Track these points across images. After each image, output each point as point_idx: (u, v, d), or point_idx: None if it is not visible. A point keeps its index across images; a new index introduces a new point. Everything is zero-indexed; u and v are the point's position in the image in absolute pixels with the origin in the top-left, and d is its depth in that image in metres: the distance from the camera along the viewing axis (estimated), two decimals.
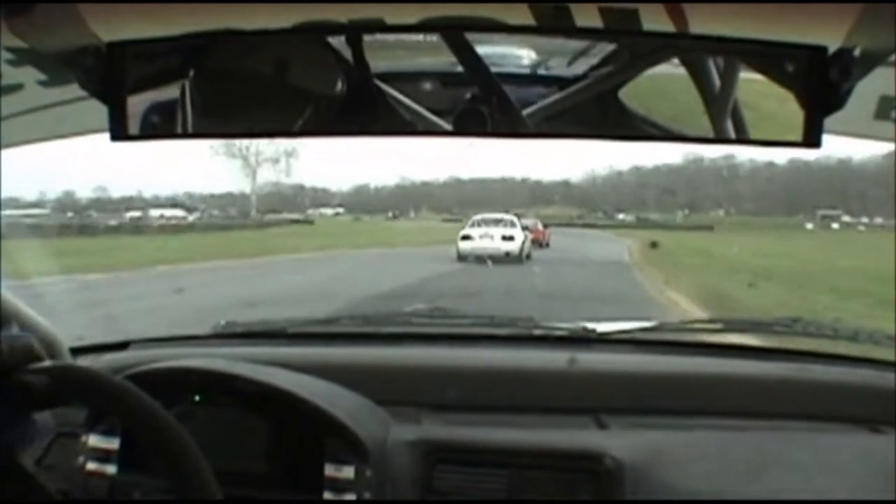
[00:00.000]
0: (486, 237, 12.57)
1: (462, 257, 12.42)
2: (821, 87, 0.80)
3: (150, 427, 0.86)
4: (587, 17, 0.90)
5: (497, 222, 13.44)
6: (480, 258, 11.75)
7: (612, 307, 7.20)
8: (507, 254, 12.23)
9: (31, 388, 0.85)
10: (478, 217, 13.95)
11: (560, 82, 0.85)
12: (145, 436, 0.87)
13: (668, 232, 22.72)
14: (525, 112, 0.84)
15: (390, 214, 23.20)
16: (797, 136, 0.81)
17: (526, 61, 0.86)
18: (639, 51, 0.86)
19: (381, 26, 0.89)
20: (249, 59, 0.86)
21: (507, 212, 14.82)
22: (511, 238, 12.55)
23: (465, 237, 12.90)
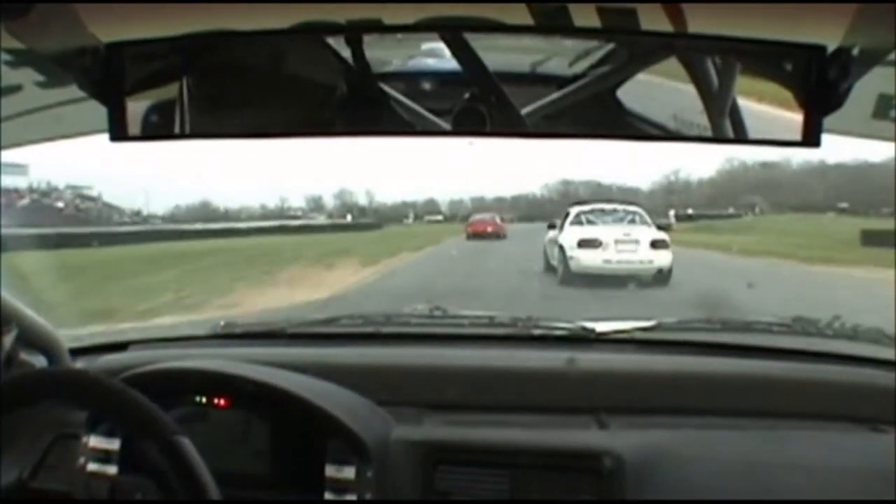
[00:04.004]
0: (629, 242, 7.63)
1: (575, 276, 7.24)
2: (819, 87, 0.80)
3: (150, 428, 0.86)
4: (585, 17, 0.90)
5: (622, 217, 8.29)
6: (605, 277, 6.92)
7: None
8: (661, 271, 7.51)
9: None
10: (584, 208, 8.53)
11: (559, 82, 0.85)
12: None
13: None
14: (524, 111, 0.84)
15: None
16: (796, 135, 0.81)
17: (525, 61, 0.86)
18: (637, 50, 0.86)
19: (379, 26, 0.89)
20: (248, 59, 0.86)
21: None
22: (663, 244, 7.72)
23: (585, 242, 7.56)
